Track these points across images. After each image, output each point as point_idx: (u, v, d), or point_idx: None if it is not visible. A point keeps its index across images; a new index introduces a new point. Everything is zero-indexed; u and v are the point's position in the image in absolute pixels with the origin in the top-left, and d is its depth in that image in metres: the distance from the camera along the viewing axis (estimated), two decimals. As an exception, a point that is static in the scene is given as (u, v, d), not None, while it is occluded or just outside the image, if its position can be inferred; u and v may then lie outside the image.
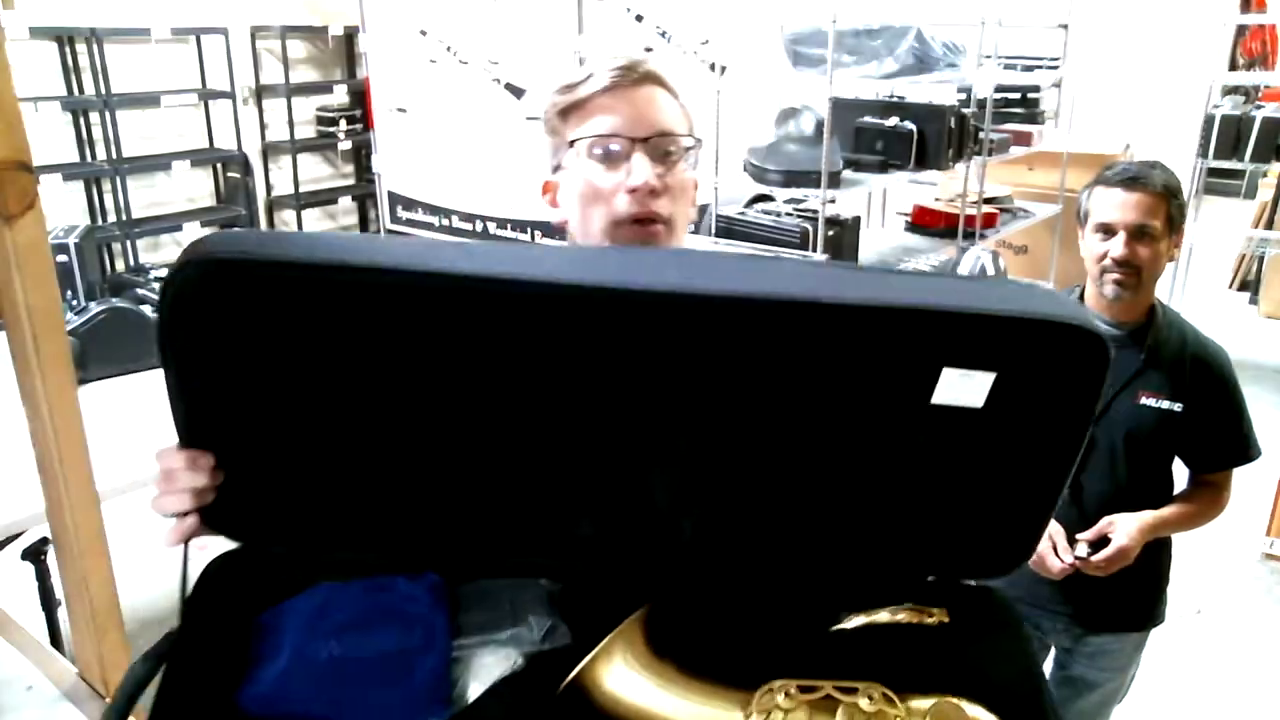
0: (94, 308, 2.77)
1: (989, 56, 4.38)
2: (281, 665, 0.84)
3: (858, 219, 4.11)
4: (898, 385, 0.80)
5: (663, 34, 4.14)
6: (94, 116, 5.40)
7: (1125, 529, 1.62)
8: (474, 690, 0.88)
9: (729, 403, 0.83)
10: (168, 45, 5.63)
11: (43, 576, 2.20)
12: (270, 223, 6.44)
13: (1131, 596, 1.76)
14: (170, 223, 5.77)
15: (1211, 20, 5.50)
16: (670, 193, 1.03)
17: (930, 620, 0.91)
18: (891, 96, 4.59)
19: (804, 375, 0.80)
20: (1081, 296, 1.75)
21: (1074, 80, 5.35)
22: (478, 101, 4.67)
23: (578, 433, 0.86)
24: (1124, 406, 1.67)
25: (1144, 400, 1.68)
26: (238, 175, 6.06)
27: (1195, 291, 5.18)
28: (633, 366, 0.80)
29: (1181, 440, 1.70)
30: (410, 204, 5.39)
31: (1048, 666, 1.87)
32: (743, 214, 4.04)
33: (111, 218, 5.53)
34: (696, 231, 3.89)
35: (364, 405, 0.83)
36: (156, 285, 3.45)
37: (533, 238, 4.66)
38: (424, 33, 4.82)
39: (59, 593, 1.78)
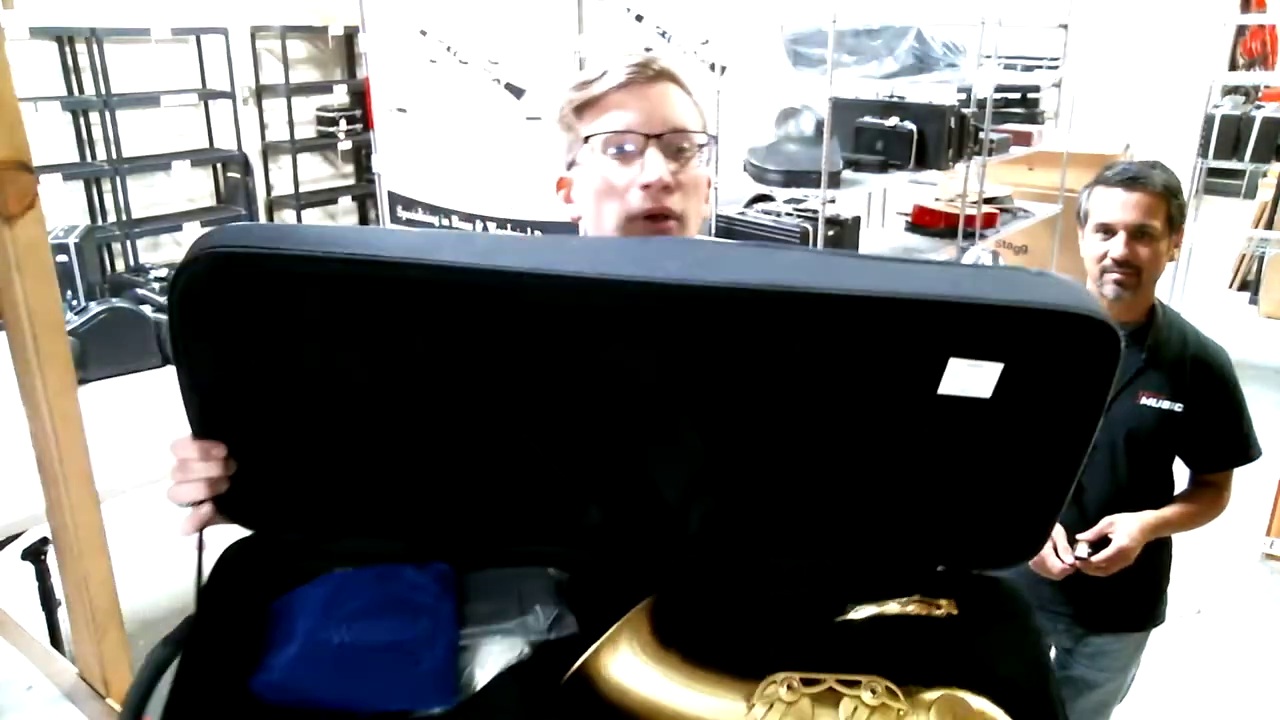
0: (94, 308, 2.77)
1: (989, 56, 4.38)
2: (294, 652, 0.85)
3: (858, 219, 4.11)
4: (905, 375, 0.80)
5: (663, 34, 4.14)
6: (94, 116, 5.40)
7: (1126, 529, 1.62)
8: (481, 679, 0.88)
9: (735, 393, 0.83)
10: (168, 45, 5.63)
11: (43, 576, 2.20)
12: (270, 222, 6.44)
13: (1132, 597, 1.76)
14: (170, 223, 5.77)
15: (1211, 20, 5.50)
16: (683, 189, 1.04)
17: (939, 612, 0.91)
18: (891, 96, 4.59)
19: (809, 365, 0.80)
20: (1082, 296, 1.75)
21: (1074, 80, 5.35)
22: (478, 101, 4.67)
23: (584, 422, 0.86)
24: (1124, 406, 1.67)
25: (1144, 400, 1.68)
26: (238, 175, 6.06)
27: (1195, 291, 5.18)
28: (636, 356, 0.81)
29: (1182, 440, 1.70)
30: (410, 204, 5.39)
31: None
32: (743, 214, 4.04)
33: (111, 218, 5.53)
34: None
35: (373, 395, 0.84)
36: (157, 285, 3.45)
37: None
38: (424, 33, 4.82)
39: (59, 593, 1.78)
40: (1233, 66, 6.35)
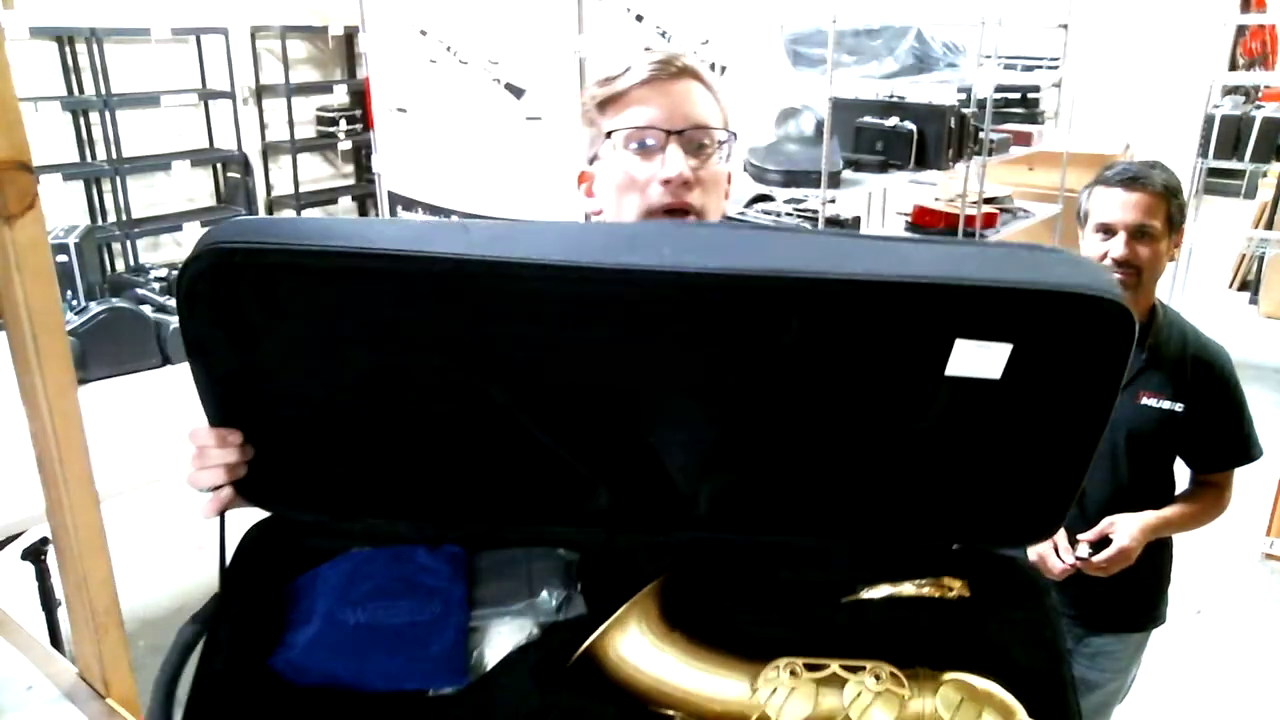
0: (94, 308, 2.77)
1: (989, 56, 4.38)
2: (313, 631, 0.88)
3: (858, 219, 4.12)
4: (914, 357, 0.80)
5: (663, 34, 4.14)
6: (94, 116, 5.40)
7: (1126, 529, 1.61)
8: (491, 659, 0.90)
9: (740, 375, 0.83)
10: (168, 45, 5.63)
11: (43, 576, 2.20)
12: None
13: (1132, 597, 1.76)
14: (170, 223, 5.77)
15: (1211, 20, 5.50)
16: (703, 185, 1.06)
17: (951, 594, 0.91)
18: (891, 96, 4.59)
19: (812, 348, 0.80)
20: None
21: (1074, 80, 5.35)
22: (478, 101, 4.67)
23: (591, 405, 0.87)
24: (1125, 407, 1.67)
25: (1145, 400, 1.68)
26: (238, 175, 6.06)
27: (1195, 291, 5.18)
28: (635, 341, 0.81)
29: (1183, 440, 1.69)
30: (410, 204, 5.38)
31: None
32: (743, 214, 4.04)
33: (111, 218, 5.53)
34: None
35: (380, 380, 0.86)
36: (156, 285, 3.46)
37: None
38: (424, 33, 4.81)
39: (59, 593, 1.78)
40: (1233, 66, 6.35)
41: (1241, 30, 6.47)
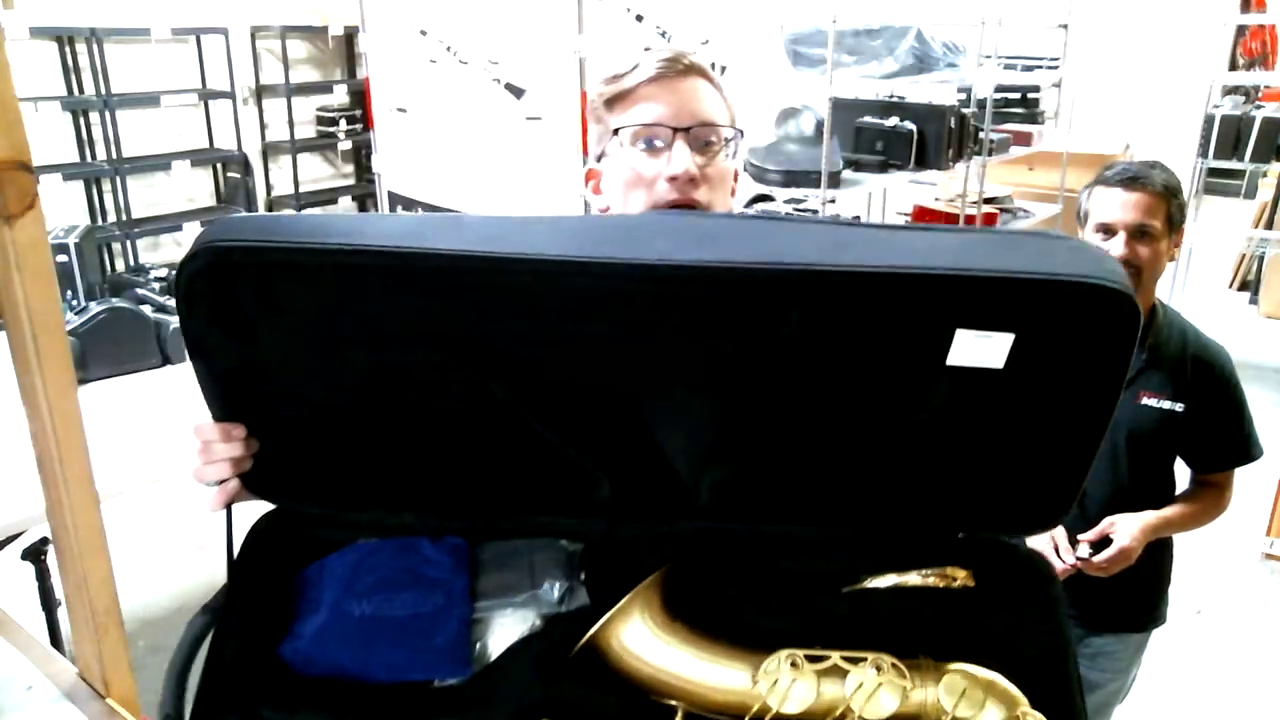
0: (94, 308, 2.77)
1: (989, 56, 4.38)
2: (321, 621, 0.89)
3: (858, 219, 4.12)
4: (916, 348, 0.79)
5: (663, 34, 4.14)
6: (94, 116, 5.40)
7: (1127, 529, 1.61)
8: (494, 650, 0.91)
9: (741, 367, 0.83)
10: (168, 45, 5.63)
11: (43, 576, 2.20)
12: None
13: (1133, 597, 1.76)
14: (170, 223, 5.76)
15: (1211, 20, 5.50)
16: (709, 181, 1.06)
17: (955, 584, 0.90)
18: (891, 96, 4.59)
19: (814, 339, 0.80)
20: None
21: (1074, 80, 5.35)
22: (478, 101, 4.67)
23: (592, 396, 0.87)
24: (1125, 407, 1.67)
25: (1145, 400, 1.68)
26: (238, 175, 6.06)
27: (1195, 291, 5.18)
28: (635, 335, 0.81)
29: (1183, 440, 1.69)
30: (410, 204, 5.38)
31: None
32: (743, 214, 4.04)
33: (111, 218, 5.53)
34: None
35: (381, 373, 0.86)
36: (157, 285, 3.46)
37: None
38: (424, 33, 4.81)
39: (59, 593, 1.78)
40: (1233, 66, 6.36)
41: (1241, 30, 6.47)
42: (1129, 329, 0.75)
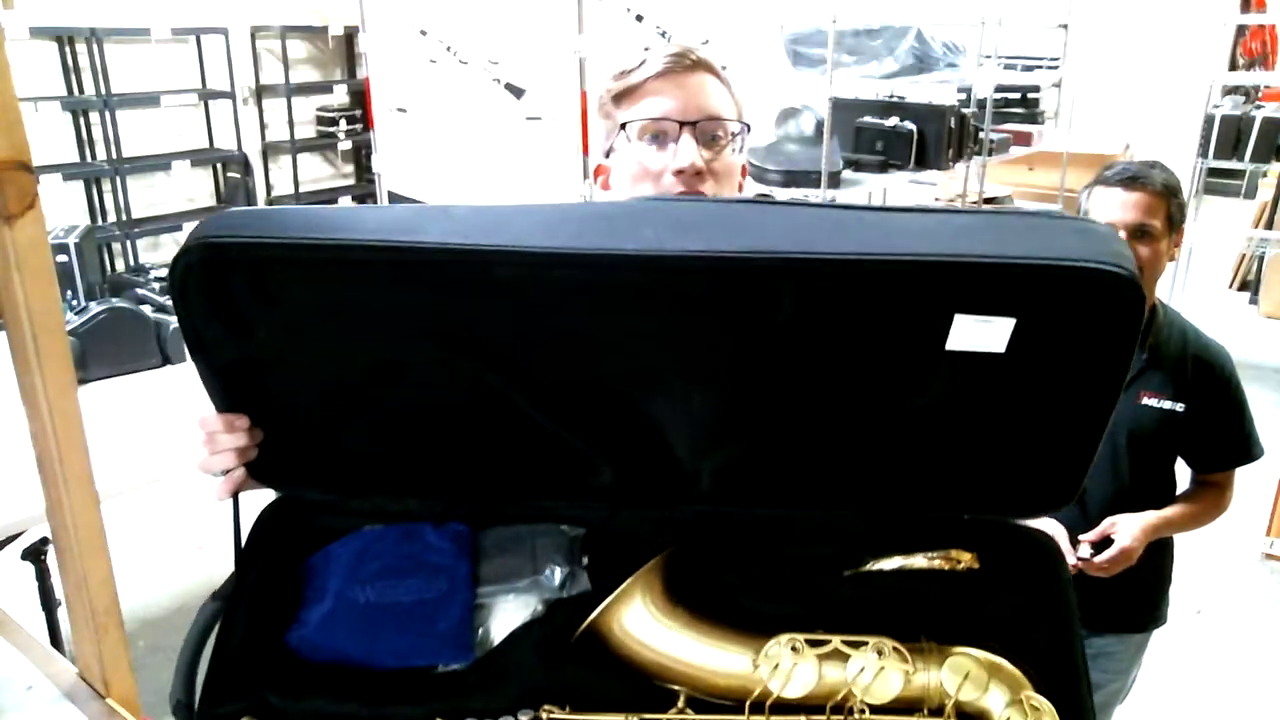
0: (94, 308, 2.77)
1: (989, 56, 4.38)
2: (326, 608, 0.90)
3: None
4: (914, 333, 0.78)
5: (663, 34, 4.14)
6: (94, 116, 5.40)
7: (1128, 530, 1.61)
8: (497, 636, 0.92)
9: (736, 354, 0.83)
10: (168, 45, 5.62)
11: (43, 576, 2.20)
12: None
13: (1133, 598, 1.76)
14: (170, 223, 5.76)
15: (1211, 20, 5.51)
16: (716, 175, 1.07)
17: (960, 567, 0.90)
18: (891, 96, 4.59)
19: (808, 325, 0.79)
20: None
21: (1074, 80, 5.35)
22: (478, 101, 4.67)
23: (591, 383, 0.87)
24: (1126, 407, 1.67)
25: (1146, 400, 1.67)
26: (238, 175, 6.06)
27: (1195, 291, 5.18)
28: (626, 323, 0.81)
29: (1183, 440, 1.69)
30: (410, 204, 5.38)
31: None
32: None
33: (111, 218, 5.53)
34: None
35: (379, 365, 0.87)
36: (157, 285, 3.46)
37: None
38: (424, 33, 4.81)
39: (59, 593, 1.78)
40: (1233, 66, 6.35)
41: (1241, 30, 6.47)
42: (1133, 313, 0.74)
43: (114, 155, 5.39)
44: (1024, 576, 0.91)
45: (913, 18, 4.49)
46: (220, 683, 0.87)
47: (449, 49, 4.73)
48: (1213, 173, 5.20)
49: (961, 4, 4.50)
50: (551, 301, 0.79)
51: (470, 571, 0.94)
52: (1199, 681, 2.69)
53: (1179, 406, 1.67)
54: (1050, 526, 1.33)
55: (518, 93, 4.43)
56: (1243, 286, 6.23)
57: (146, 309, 2.90)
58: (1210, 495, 1.73)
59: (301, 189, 6.44)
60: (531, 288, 0.78)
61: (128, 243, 5.47)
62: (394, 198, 5.49)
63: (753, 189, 4.16)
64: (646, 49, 1.12)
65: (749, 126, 1.13)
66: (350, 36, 6.45)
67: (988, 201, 4.72)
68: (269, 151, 6.38)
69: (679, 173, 1.05)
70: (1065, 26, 5.17)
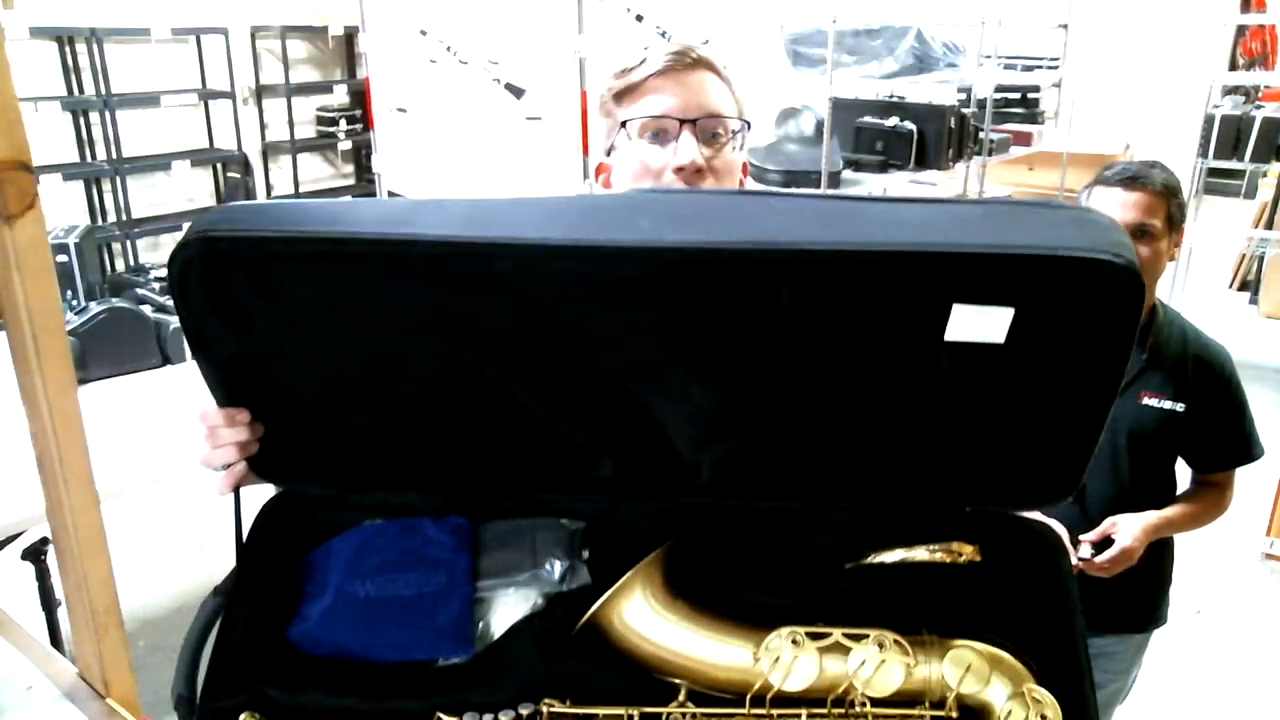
0: (94, 308, 2.77)
1: (989, 56, 4.38)
2: (326, 604, 0.90)
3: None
4: (913, 324, 0.78)
5: (663, 34, 4.14)
6: (94, 116, 5.39)
7: (1129, 530, 1.61)
8: (497, 629, 0.92)
9: (734, 345, 0.82)
10: (168, 45, 5.62)
11: (43, 576, 2.20)
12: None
13: (1134, 598, 1.76)
14: (170, 223, 5.76)
15: (1211, 20, 5.51)
16: (716, 173, 1.08)
17: (961, 559, 0.90)
18: (891, 96, 4.59)
19: (807, 317, 0.79)
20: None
21: (1074, 80, 5.35)
22: (478, 101, 4.67)
23: (588, 379, 0.87)
24: (1126, 407, 1.67)
25: (1146, 400, 1.67)
26: (238, 175, 6.06)
27: (1195, 291, 5.18)
28: (624, 315, 0.81)
29: (1184, 440, 1.69)
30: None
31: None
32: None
33: (111, 218, 5.53)
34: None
35: (378, 358, 0.87)
36: (156, 285, 3.46)
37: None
38: (424, 33, 4.81)
39: (59, 593, 1.78)
40: (1233, 66, 6.36)
41: (1241, 30, 6.47)
42: (1134, 302, 0.73)
43: (114, 155, 5.39)
44: (1026, 569, 0.91)
45: (913, 18, 4.49)
46: (221, 677, 0.87)
47: (449, 49, 4.73)
48: (1213, 173, 5.20)
49: (961, 4, 4.50)
50: (549, 293, 0.79)
51: (470, 565, 0.94)
52: (1199, 681, 2.69)
53: (1179, 406, 1.67)
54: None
55: (518, 93, 4.43)
56: (1243, 286, 6.23)
57: (146, 309, 2.90)
58: (1211, 495, 1.73)
59: (301, 189, 6.44)
60: (529, 280, 0.78)
61: (128, 243, 5.47)
62: (394, 198, 5.48)
63: (753, 189, 4.16)
64: (647, 48, 1.12)
65: (749, 124, 1.13)
66: (350, 36, 6.45)
67: (988, 201, 4.71)
68: (269, 151, 6.38)
69: (679, 170, 1.06)
70: (1065, 26, 5.17)
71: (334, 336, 0.85)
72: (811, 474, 0.93)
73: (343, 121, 6.51)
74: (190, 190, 6.00)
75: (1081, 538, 1.63)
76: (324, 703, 0.87)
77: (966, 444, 0.89)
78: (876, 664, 0.82)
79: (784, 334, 0.80)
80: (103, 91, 5.28)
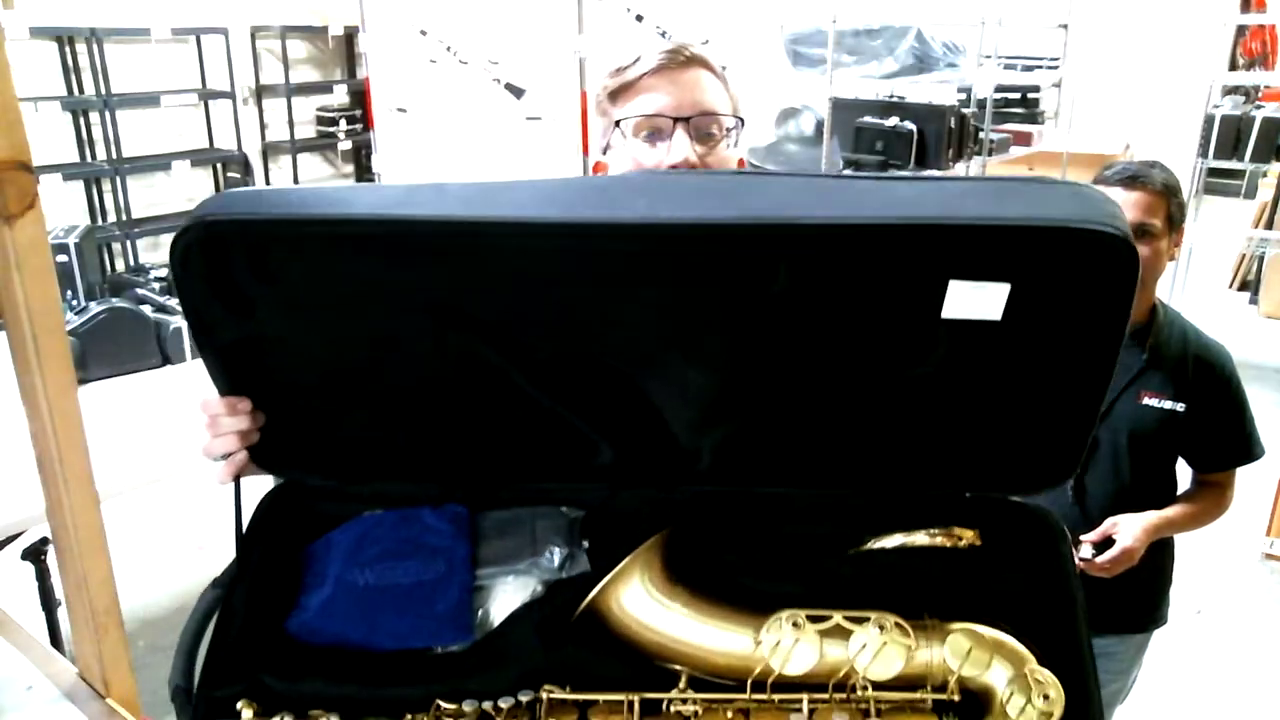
0: (94, 308, 2.78)
1: (989, 56, 4.38)
2: (325, 594, 0.91)
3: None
4: (911, 301, 0.78)
5: (663, 34, 4.14)
6: (94, 116, 5.40)
7: (1130, 530, 1.61)
8: (497, 617, 0.92)
9: (733, 326, 0.82)
10: (168, 45, 5.62)
11: (43, 576, 2.20)
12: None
13: (1134, 598, 1.76)
14: (170, 223, 5.76)
15: (1211, 20, 5.51)
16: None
17: (961, 543, 0.90)
18: (891, 96, 4.59)
19: (805, 295, 0.78)
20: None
21: (1074, 80, 5.36)
22: (478, 101, 4.67)
23: (586, 362, 0.87)
24: (1126, 407, 1.67)
25: (1146, 400, 1.67)
26: (238, 175, 6.06)
27: (1195, 291, 5.18)
28: (622, 295, 0.81)
29: (1184, 440, 1.69)
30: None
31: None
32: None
33: (111, 218, 5.53)
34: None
35: (378, 343, 0.87)
36: (157, 285, 3.46)
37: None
38: (424, 33, 4.81)
39: (59, 593, 1.78)
40: (1233, 66, 6.35)
41: (1241, 30, 6.47)
42: (1128, 273, 0.73)
43: (114, 155, 5.39)
44: (1026, 553, 0.91)
45: (913, 18, 4.49)
46: (219, 666, 0.87)
47: (449, 49, 4.73)
48: (1213, 173, 5.20)
49: (961, 4, 4.50)
50: (548, 274, 0.79)
51: (469, 553, 0.94)
52: (1199, 681, 2.69)
53: (1180, 406, 1.67)
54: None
55: (518, 93, 4.42)
56: (1243, 286, 6.23)
57: (146, 309, 2.91)
58: (1211, 495, 1.73)
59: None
60: (528, 259, 0.78)
61: (128, 243, 5.47)
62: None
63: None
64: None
65: (743, 121, 1.13)
66: (350, 36, 6.45)
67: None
68: (269, 151, 6.38)
69: (673, 169, 1.06)
70: (1065, 26, 5.17)
71: (335, 321, 0.85)
72: (811, 459, 0.93)
73: (343, 121, 6.51)
74: (190, 190, 6.00)
75: (1082, 538, 1.63)
76: (323, 691, 0.87)
77: (965, 426, 0.89)
78: (878, 647, 0.82)
79: (782, 314, 0.80)
80: (103, 91, 5.28)
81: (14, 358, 1.01)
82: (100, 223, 5.48)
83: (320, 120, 6.56)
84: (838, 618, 0.84)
